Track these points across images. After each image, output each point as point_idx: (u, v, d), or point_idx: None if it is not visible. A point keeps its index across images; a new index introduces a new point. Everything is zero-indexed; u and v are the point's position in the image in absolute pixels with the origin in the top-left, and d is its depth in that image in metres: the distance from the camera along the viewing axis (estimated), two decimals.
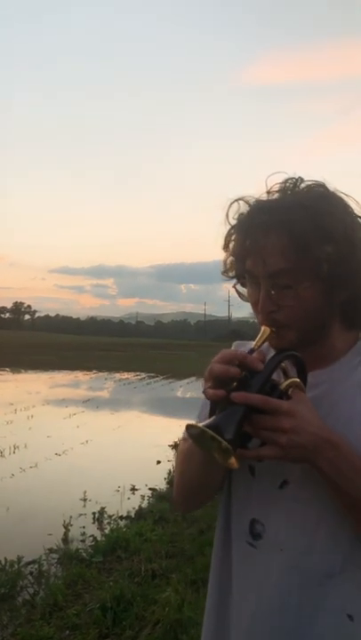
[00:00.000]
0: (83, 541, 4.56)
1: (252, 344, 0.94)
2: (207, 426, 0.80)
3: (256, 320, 0.96)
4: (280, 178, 0.96)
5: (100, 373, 24.88)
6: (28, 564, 3.99)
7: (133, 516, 5.20)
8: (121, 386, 19.75)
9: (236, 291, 1.00)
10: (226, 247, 0.96)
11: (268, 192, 0.95)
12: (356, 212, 0.95)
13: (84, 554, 4.16)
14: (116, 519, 5.09)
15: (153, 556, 3.90)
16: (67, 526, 4.65)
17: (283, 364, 0.94)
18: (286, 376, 0.93)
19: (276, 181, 0.96)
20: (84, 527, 4.87)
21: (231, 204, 0.95)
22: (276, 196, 0.94)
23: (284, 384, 0.89)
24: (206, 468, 0.96)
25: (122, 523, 5.00)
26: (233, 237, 0.95)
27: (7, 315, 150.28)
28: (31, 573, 3.89)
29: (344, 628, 0.88)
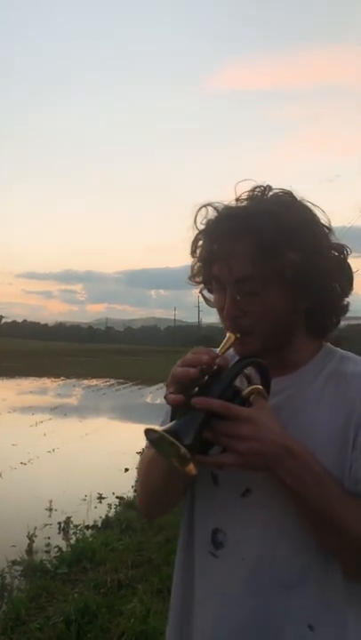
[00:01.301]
0: (48, 552, 4.47)
1: (217, 350, 0.92)
2: (166, 431, 0.78)
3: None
4: (249, 185, 0.96)
5: (69, 380, 24.60)
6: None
7: (100, 525, 5.13)
8: (89, 392, 19.53)
9: (203, 296, 1.00)
10: (193, 253, 0.96)
11: (237, 199, 0.96)
12: (321, 221, 0.95)
13: (49, 565, 4.07)
14: (82, 529, 4.99)
15: (119, 565, 3.84)
16: (31, 537, 4.55)
17: (247, 371, 0.93)
18: (250, 383, 0.92)
19: (245, 189, 0.96)
20: (49, 538, 4.76)
21: (199, 209, 0.94)
22: (244, 203, 0.95)
23: (246, 391, 0.88)
24: (168, 475, 0.94)
25: (88, 532, 4.92)
26: (200, 243, 0.95)
27: None
28: None
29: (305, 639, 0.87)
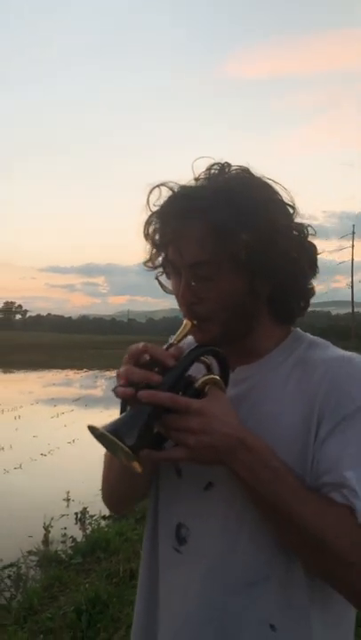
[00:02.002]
0: (63, 542, 4.52)
1: (173, 338, 0.89)
2: (108, 428, 0.75)
3: None
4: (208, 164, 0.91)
5: (91, 372, 24.77)
6: (6, 567, 3.93)
7: (116, 515, 5.15)
8: (112, 384, 19.46)
9: (159, 282, 0.95)
10: (146, 236, 0.91)
11: (197, 179, 0.91)
12: (283, 199, 0.90)
13: (64, 555, 4.12)
14: (97, 519, 5.03)
15: (132, 555, 3.84)
16: (47, 528, 4.60)
17: (207, 361, 0.89)
18: (210, 373, 0.88)
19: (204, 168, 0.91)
20: (65, 528, 4.82)
21: (152, 189, 0.89)
22: (199, 182, 0.89)
23: (200, 381, 0.84)
24: (128, 470, 0.91)
25: (103, 523, 4.95)
26: (152, 226, 0.89)
27: None
28: (9, 577, 3.83)
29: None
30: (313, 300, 0.96)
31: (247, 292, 0.87)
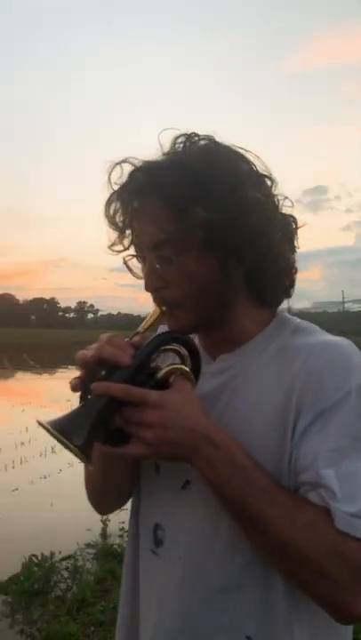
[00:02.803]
0: (120, 536, 4.55)
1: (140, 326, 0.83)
2: (54, 425, 0.70)
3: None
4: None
5: None
6: (64, 559, 4.02)
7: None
8: None
9: (128, 267, 0.88)
10: (108, 217, 0.84)
11: (164, 154, 0.84)
12: (255, 170, 0.82)
13: (119, 549, 4.15)
14: None
15: None
16: (105, 521, 4.66)
17: (181, 351, 0.83)
18: (184, 363, 0.82)
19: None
20: (123, 522, 4.84)
21: (114, 166, 0.82)
22: (161, 156, 0.83)
23: (163, 372, 0.78)
24: (105, 469, 0.86)
25: None
26: (112, 205, 0.83)
27: (71, 314, 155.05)
28: (67, 568, 3.92)
29: None
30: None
31: (217, 274, 0.79)
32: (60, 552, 4.14)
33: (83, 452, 0.69)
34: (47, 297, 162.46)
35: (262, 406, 0.79)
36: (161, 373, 0.77)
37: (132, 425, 0.73)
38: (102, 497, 0.98)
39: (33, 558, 3.90)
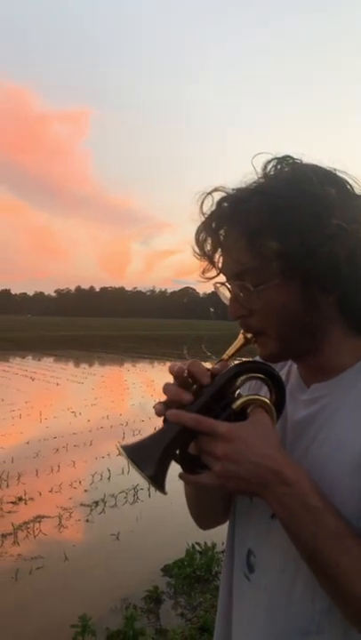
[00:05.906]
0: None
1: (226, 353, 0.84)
2: (127, 449, 0.73)
3: None
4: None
5: None
6: (224, 551, 4.13)
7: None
8: None
9: (218, 293, 0.89)
10: (198, 245, 0.86)
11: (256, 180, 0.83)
12: (346, 192, 0.77)
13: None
14: None
15: None
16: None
17: (268, 380, 0.81)
18: (271, 393, 0.81)
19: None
20: None
21: (205, 197, 0.83)
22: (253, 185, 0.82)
23: (239, 401, 0.77)
24: (196, 488, 0.89)
25: None
26: (201, 234, 0.84)
27: None
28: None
29: None
30: None
31: (301, 303, 0.77)
32: (222, 543, 4.26)
33: (154, 482, 0.72)
34: None
35: (347, 444, 0.74)
36: (237, 403, 0.76)
37: (205, 454, 0.74)
38: (198, 513, 1.00)
39: (196, 546, 4.08)
